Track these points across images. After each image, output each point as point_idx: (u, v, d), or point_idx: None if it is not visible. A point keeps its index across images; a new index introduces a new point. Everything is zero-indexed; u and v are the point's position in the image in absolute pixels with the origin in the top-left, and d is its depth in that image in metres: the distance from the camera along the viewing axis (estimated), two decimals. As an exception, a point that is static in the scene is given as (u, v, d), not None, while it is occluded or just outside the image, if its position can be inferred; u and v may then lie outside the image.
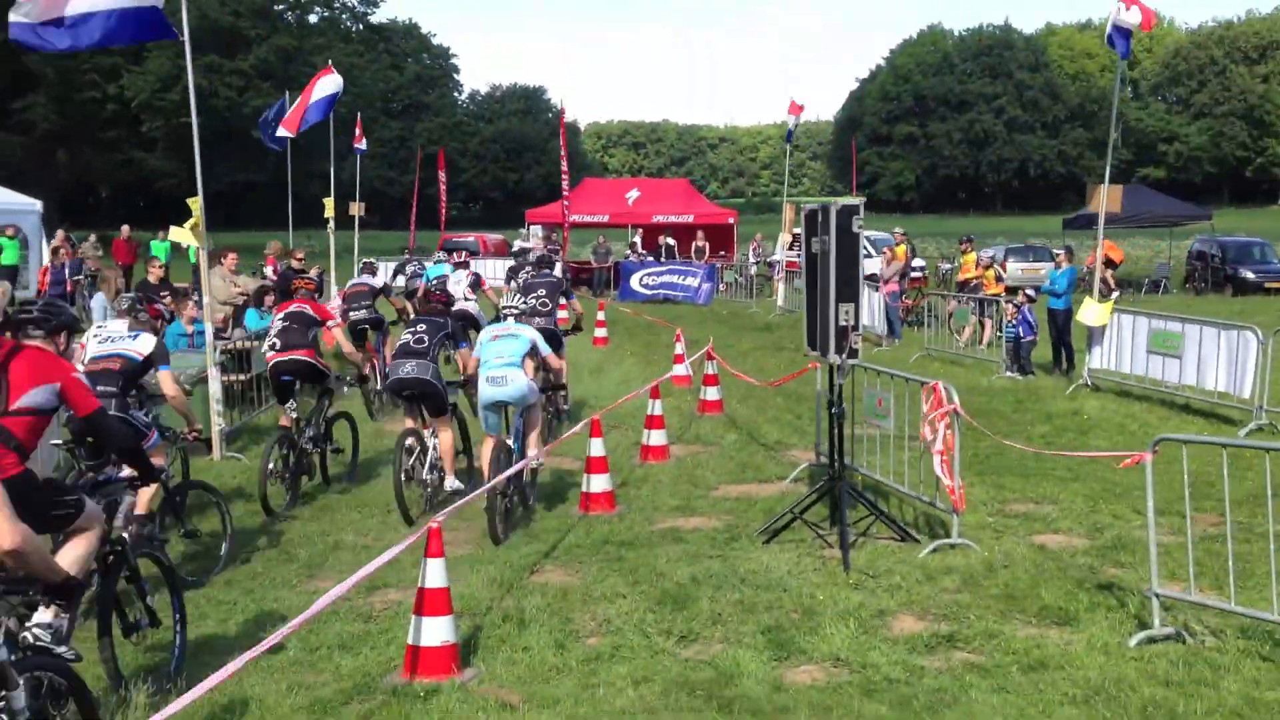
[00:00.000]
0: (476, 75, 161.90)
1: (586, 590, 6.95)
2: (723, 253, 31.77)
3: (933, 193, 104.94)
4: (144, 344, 7.57)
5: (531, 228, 35.16)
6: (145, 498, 6.87)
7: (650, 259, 29.11)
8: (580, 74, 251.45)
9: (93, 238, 24.98)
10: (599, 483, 8.80)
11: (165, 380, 7.68)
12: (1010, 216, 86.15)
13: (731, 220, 33.30)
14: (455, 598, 6.58)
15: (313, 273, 15.42)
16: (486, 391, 8.68)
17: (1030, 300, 15.95)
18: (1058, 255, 16.95)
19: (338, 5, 45.67)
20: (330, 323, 10.29)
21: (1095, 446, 11.11)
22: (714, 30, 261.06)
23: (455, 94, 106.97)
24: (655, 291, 27.44)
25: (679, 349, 14.97)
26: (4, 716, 3.96)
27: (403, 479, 8.47)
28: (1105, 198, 13.89)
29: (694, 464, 10.47)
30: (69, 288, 18.51)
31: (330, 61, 19.67)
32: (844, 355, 7.56)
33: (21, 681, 4.00)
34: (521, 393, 8.66)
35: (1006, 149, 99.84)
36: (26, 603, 4.76)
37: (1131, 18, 12.81)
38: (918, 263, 29.76)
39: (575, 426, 10.05)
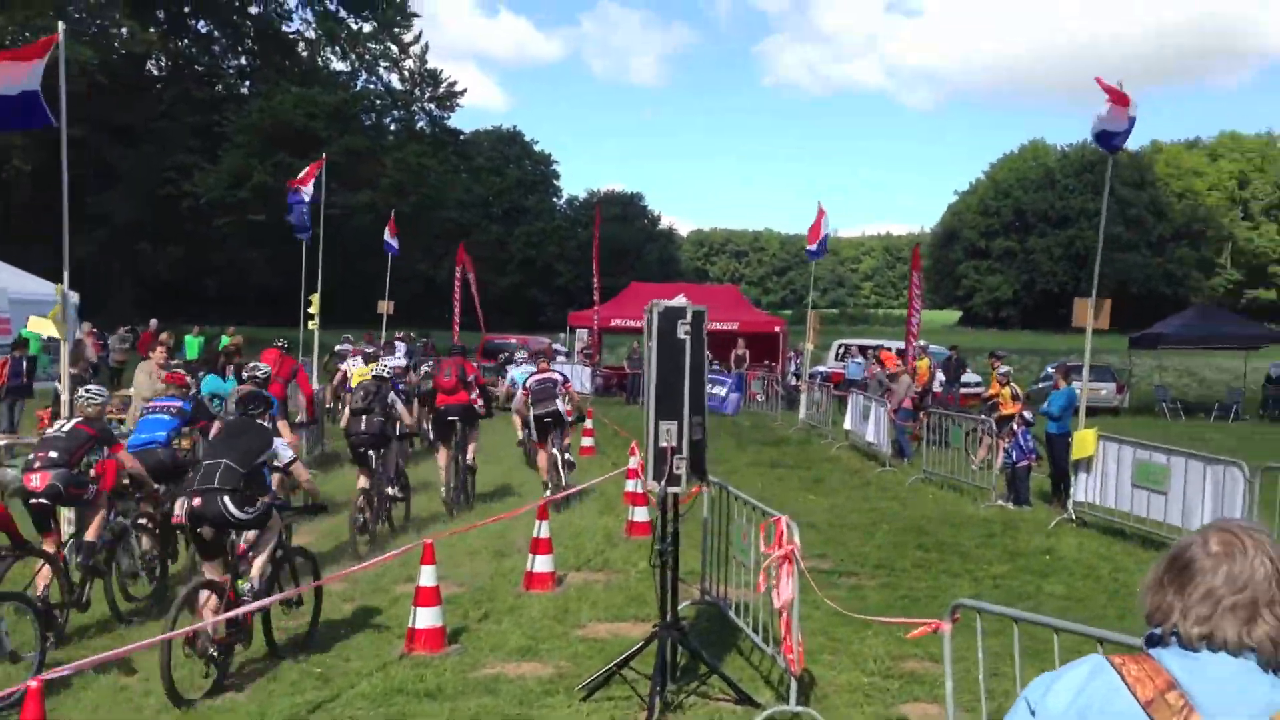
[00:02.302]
0: (576, 181, 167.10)
1: (325, 751, 5.99)
2: (767, 362, 30.78)
3: (1031, 308, 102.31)
4: None
5: (578, 331, 34.80)
6: None
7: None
8: (683, 181, 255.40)
9: (121, 330, 25.17)
10: (426, 617, 7.79)
11: None
12: (1111, 335, 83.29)
13: (778, 329, 32.34)
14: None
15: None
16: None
17: (1027, 423, 14.60)
18: (1052, 373, 15.53)
19: (415, 109, 46.62)
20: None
21: (1052, 591, 9.79)
22: (817, 142, 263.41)
23: (554, 199, 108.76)
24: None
25: (633, 463, 13.97)
26: None
27: None
28: (1093, 312, 12.58)
29: (578, 595, 9.43)
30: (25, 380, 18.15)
31: (324, 155, 19.55)
32: (663, 482, 6.57)
33: None
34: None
35: (1108, 266, 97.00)
36: None
37: (1115, 122, 11.66)
38: (972, 378, 28.37)
39: (408, 545, 9.12)
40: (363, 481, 11.38)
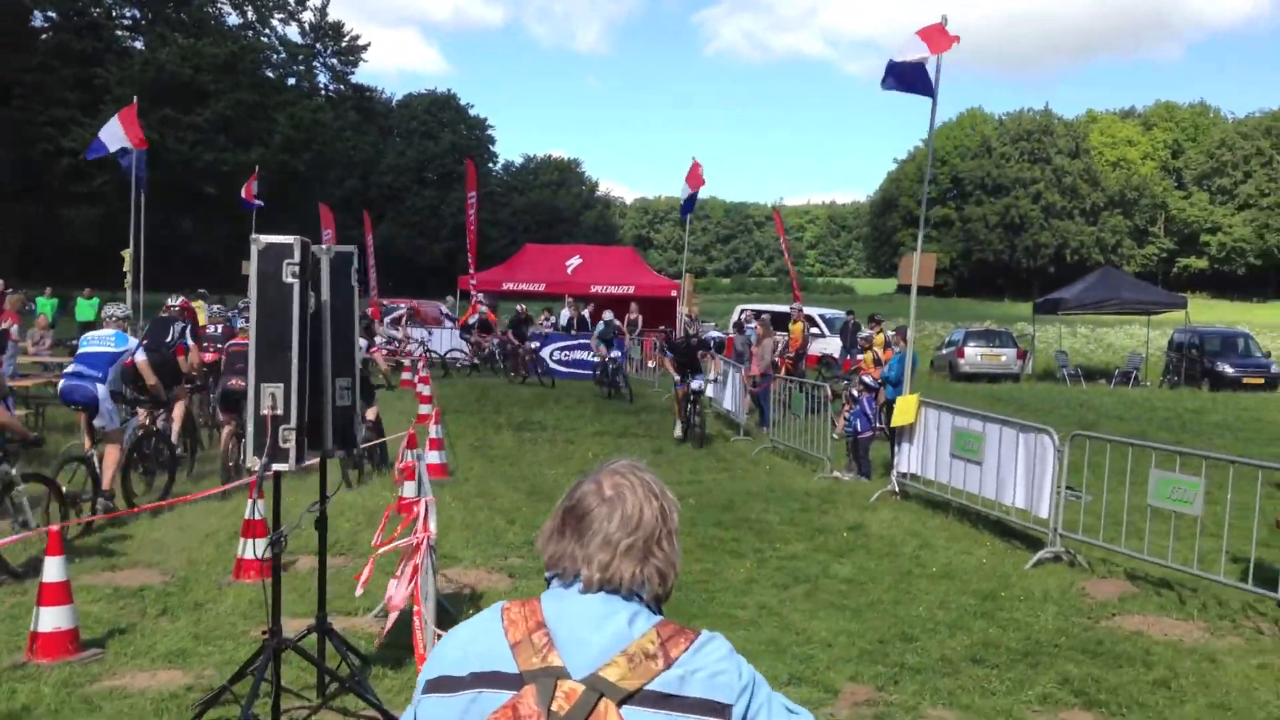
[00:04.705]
0: (517, 148, 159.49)
1: None
2: (663, 327, 29.72)
3: (968, 276, 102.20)
4: None
5: (474, 296, 33.49)
6: None
7: (558, 330, 27.11)
8: (627, 149, 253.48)
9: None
10: (49, 619, 6.54)
11: None
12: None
13: (674, 293, 31.23)
14: None
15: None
16: None
17: (869, 389, 13.61)
18: (893, 336, 14.57)
19: (317, 64, 44.64)
20: None
21: (837, 573, 8.76)
22: (760, 111, 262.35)
23: (490, 164, 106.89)
24: (568, 368, 25.37)
25: (434, 433, 12.83)
26: None
27: None
28: (918, 268, 11.56)
29: (293, 585, 8.26)
30: None
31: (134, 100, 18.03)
32: (264, 457, 5.40)
33: None
34: None
35: (1044, 234, 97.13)
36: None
37: (916, 49, 10.51)
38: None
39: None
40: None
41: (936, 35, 10.36)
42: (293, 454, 5.45)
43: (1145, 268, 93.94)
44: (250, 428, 5.46)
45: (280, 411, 5.41)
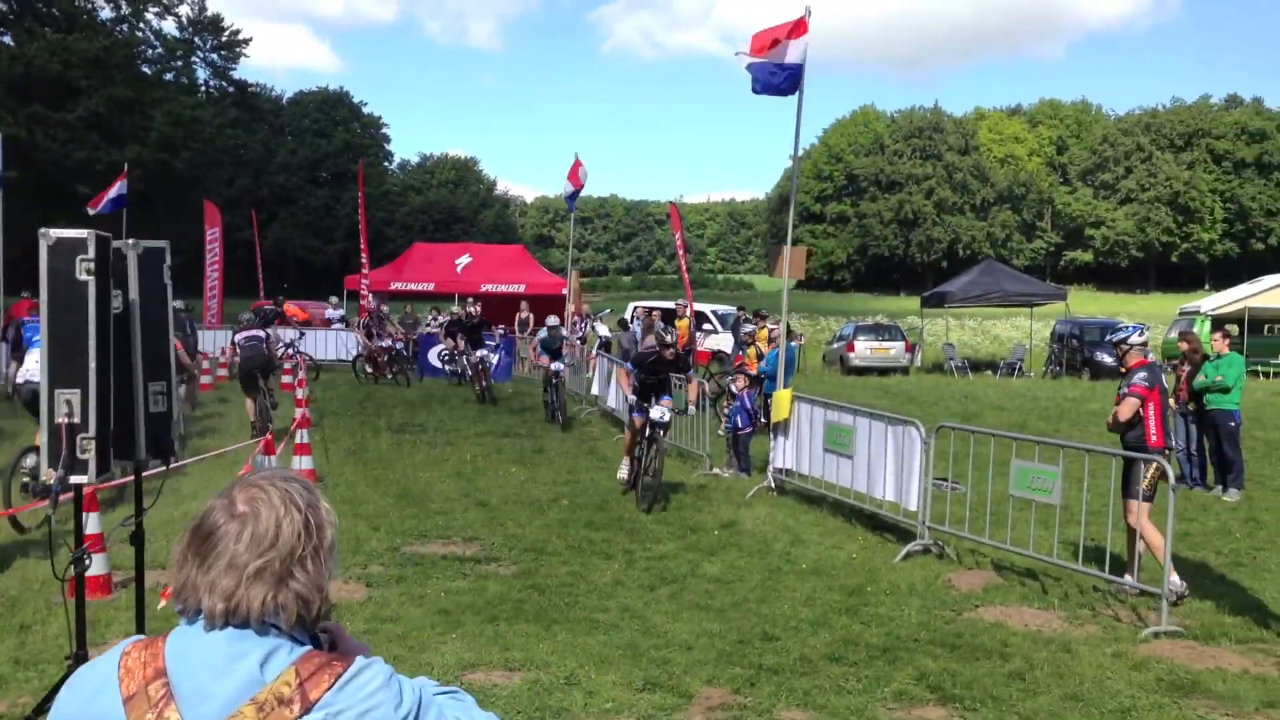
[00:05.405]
0: (413, 147, 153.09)
1: None
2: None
3: (864, 271, 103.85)
4: None
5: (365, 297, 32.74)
6: None
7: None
8: (526, 148, 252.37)
9: None
10: None
11: None
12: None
13: (564, 291, 30.97)
14: None
15: None
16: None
17: (752, 384, 13.51)
18: (774, 330, 14.51)
19: (196, 60, 43.24)
20: None
21: (706, 572, 8.59)
22: (659, 109, 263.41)
23: (385, 163, 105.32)
24: (454, 367, 24.89)
25: (300, 437, 12.36)
26: None
27: None
28: (789, 260, 11.48)
29: (129, 604, 7.79)
30: None
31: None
32: (61, 470, 4.98)
33: None
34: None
35: (936, 229, 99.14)
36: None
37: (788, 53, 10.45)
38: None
39: None
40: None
41: (796, 24, 10.29)
42: (93, 465, 5.05)
43: (1034, 261, 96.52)
44: (44, 437, 5.04)
45: (78, 419, 5.00)
